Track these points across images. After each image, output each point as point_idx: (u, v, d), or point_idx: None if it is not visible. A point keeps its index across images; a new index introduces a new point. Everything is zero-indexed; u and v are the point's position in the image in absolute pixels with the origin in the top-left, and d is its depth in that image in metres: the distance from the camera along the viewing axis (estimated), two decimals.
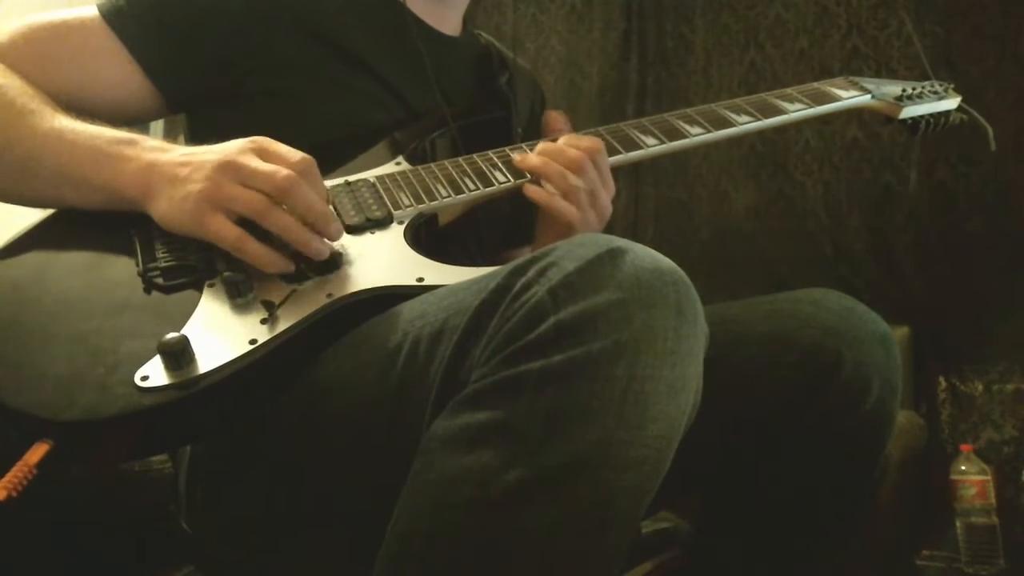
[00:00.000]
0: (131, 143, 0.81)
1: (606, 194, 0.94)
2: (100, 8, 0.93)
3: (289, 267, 0.77)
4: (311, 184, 0.77)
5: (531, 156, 0.93)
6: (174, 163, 0.79)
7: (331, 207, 0.82)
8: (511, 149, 0.96)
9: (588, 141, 0.94)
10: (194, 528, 0.87)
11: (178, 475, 0.89)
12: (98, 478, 1.09)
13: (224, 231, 0.75)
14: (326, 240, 0.79)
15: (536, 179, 0.92)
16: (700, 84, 2.71)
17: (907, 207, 2.37)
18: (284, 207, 0.76)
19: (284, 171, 0.75)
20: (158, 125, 1.98)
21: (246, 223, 0.76)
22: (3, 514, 0.61)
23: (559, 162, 0.91)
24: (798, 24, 2.57)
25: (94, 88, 0.92)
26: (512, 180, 0.92)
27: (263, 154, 0.78)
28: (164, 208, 0.78)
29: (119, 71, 0.92)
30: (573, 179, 0.90)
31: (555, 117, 1.02)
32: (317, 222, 0.77)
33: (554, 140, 0.96)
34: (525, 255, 0.65)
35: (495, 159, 0.95)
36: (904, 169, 2.38)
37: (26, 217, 0.84)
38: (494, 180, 0.92)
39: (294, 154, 0.78)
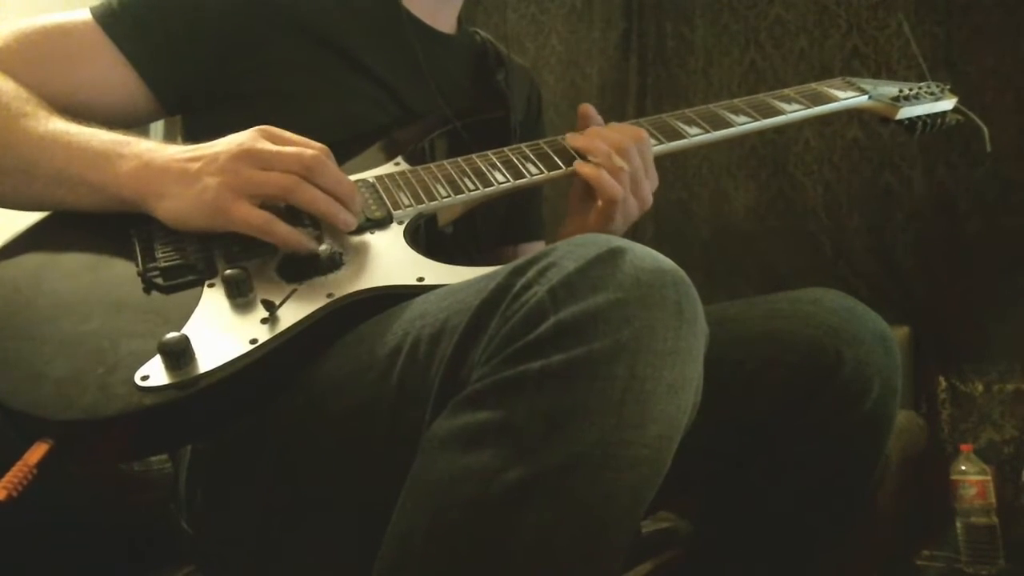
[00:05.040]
0: (127, 144, 0.81)
1: (648, 184, 0.96)
2: (94, 11, 0.93)
3: (315, 246, 0.78)
4: (334, 163, 0.80)
5: (579, 136, 0.96)
6: (180, 160, 0.79)
7: None
8: (510, 150, 0.96)
9: (632, 129, 0.97)
10: (194, 528, 0.87)
11: (178, 475, 0.89)
12: (98, 478, 1.09)
13: (251, 216, 0.76)
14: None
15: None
16: (700, 84, 2.71)
17: (907, 207, 2.37)
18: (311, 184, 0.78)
19: (311, 151, 0.78)
20: (157, 127, 1.98)
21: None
22: (3, 514, 0.61)
23: (605, 142, 0.94)
24: (798, 24, 2.57)
25: (89, 91, 0.91)
26: (511, 180, 0.92)
27: (274, 140, 0.79)
28: (173, 205, 0.78)
29: (114, 74, 0.92)
30: (618, 160, 0.93)
31: (589, 108, 1.05)
32: (344, 195, 0.80)
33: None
34: (525, 253, 0.65)
35: (494, 159, 0.95)
36: (904, 169, 2.38)
37: (25, 218, 0.84)
38: (493, 180, 0.92)
39: (310, 140, 0.80)
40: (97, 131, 0.83)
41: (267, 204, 0.79)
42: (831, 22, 2.52)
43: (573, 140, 0.96)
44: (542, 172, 0.94)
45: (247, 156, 0.77)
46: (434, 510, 0.58)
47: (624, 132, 0.96)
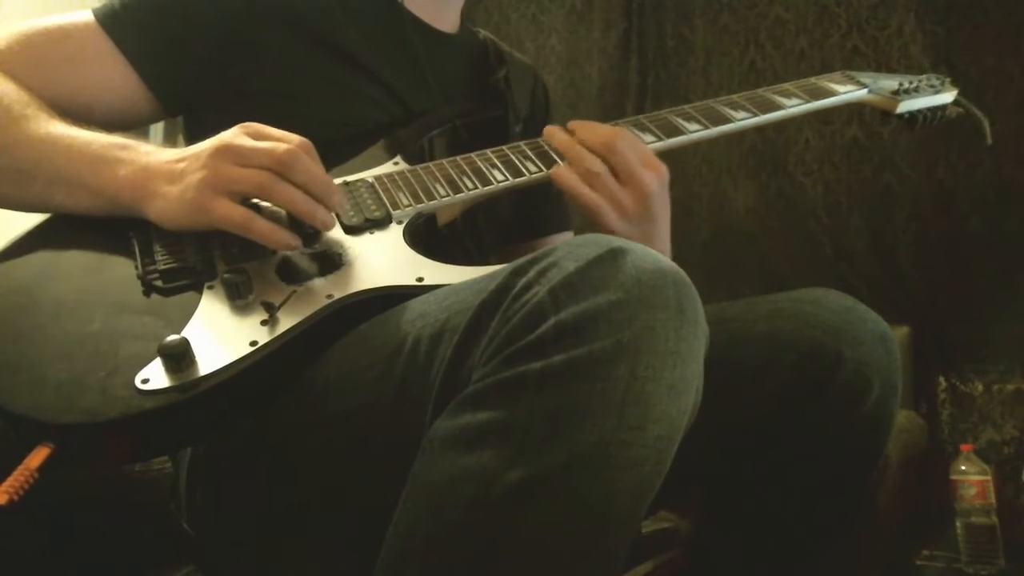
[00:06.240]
0: (125, 147, 0.82)
1: (648, 172, 0.88)
2: (96, 12, 0.93)
3: (297, 243, 0.78)
4: (312, 158, 0.79)
5: (560, 134, 0.92)
6: (169, 161, 0.79)
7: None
8: (509, 148, 0.96)
9: (608, 128, 0.92)
10: (195, 528, 0.87)
11: (178, 475, 0.89)
12: (98, 478, 1.09)
13: (231, 213, 0.76)
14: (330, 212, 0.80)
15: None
16: (700, 84, 2.72)
17: (907, 207, 2.37)
18: (287, 181, 0.77)
19: (285, 145, 0.77)
20: (158, 129, 1.98)
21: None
22: (3, 515, 0.61)
23: (582, 139, 0.90)
24: (798, 24, 2.57)
25: (90, 93, 0.92)
26: (510, 179, 0.92)
27: (257, 136, 0.79)
28: (163, 205, 0.78)
29: (115, 75, 0.92)
30: (590, 163, 0.88)
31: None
32: (322, 192, 0.78)
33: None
34: (527, 252, 0.65)
35: (493, 158, 0.94)
36: (904, 169, 2.38)
37: (25, 220, 0.84)
38: (492, 179, 0.91)
39: (291, 135, 0.79)
40: (98, 134, 0.83)
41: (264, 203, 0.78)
42: (831, 22, 2.52)
43: (552, 137, 0.92)
44: (541, 170, 0.93)
45: (226, 152, 0.77)
46: (435, 510, 0.58)
47: (598, 130, 0.91)
